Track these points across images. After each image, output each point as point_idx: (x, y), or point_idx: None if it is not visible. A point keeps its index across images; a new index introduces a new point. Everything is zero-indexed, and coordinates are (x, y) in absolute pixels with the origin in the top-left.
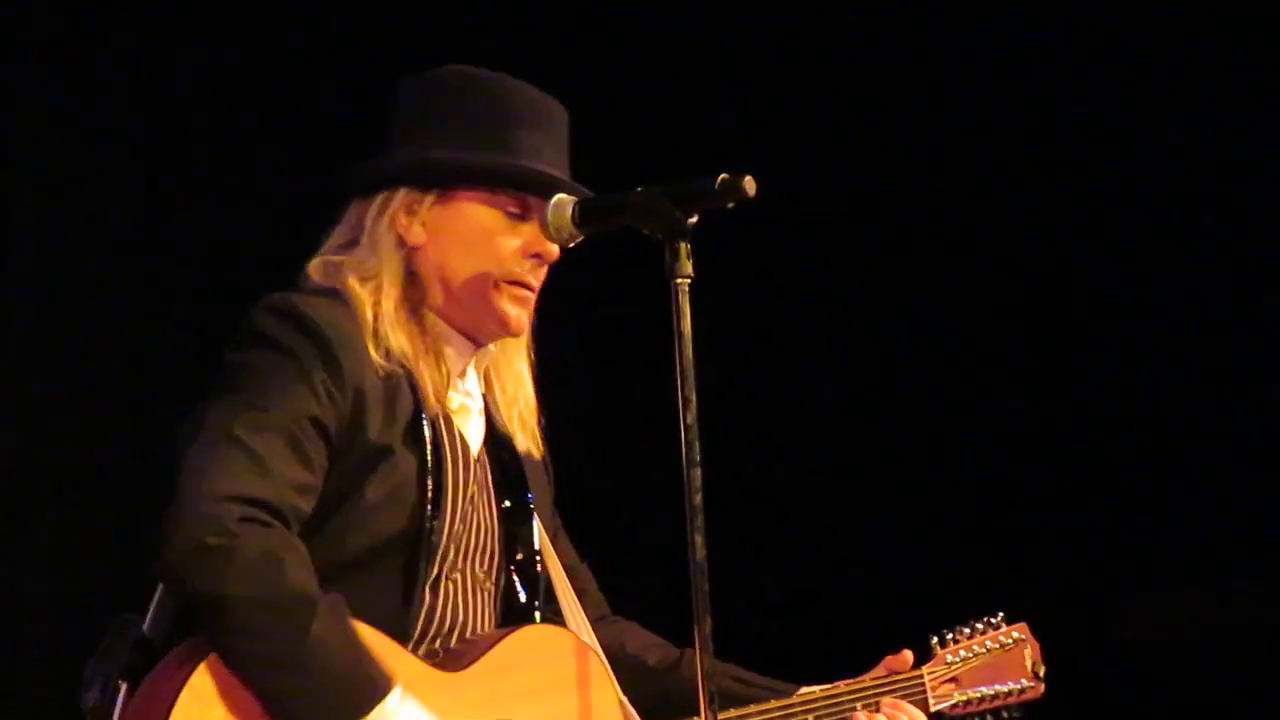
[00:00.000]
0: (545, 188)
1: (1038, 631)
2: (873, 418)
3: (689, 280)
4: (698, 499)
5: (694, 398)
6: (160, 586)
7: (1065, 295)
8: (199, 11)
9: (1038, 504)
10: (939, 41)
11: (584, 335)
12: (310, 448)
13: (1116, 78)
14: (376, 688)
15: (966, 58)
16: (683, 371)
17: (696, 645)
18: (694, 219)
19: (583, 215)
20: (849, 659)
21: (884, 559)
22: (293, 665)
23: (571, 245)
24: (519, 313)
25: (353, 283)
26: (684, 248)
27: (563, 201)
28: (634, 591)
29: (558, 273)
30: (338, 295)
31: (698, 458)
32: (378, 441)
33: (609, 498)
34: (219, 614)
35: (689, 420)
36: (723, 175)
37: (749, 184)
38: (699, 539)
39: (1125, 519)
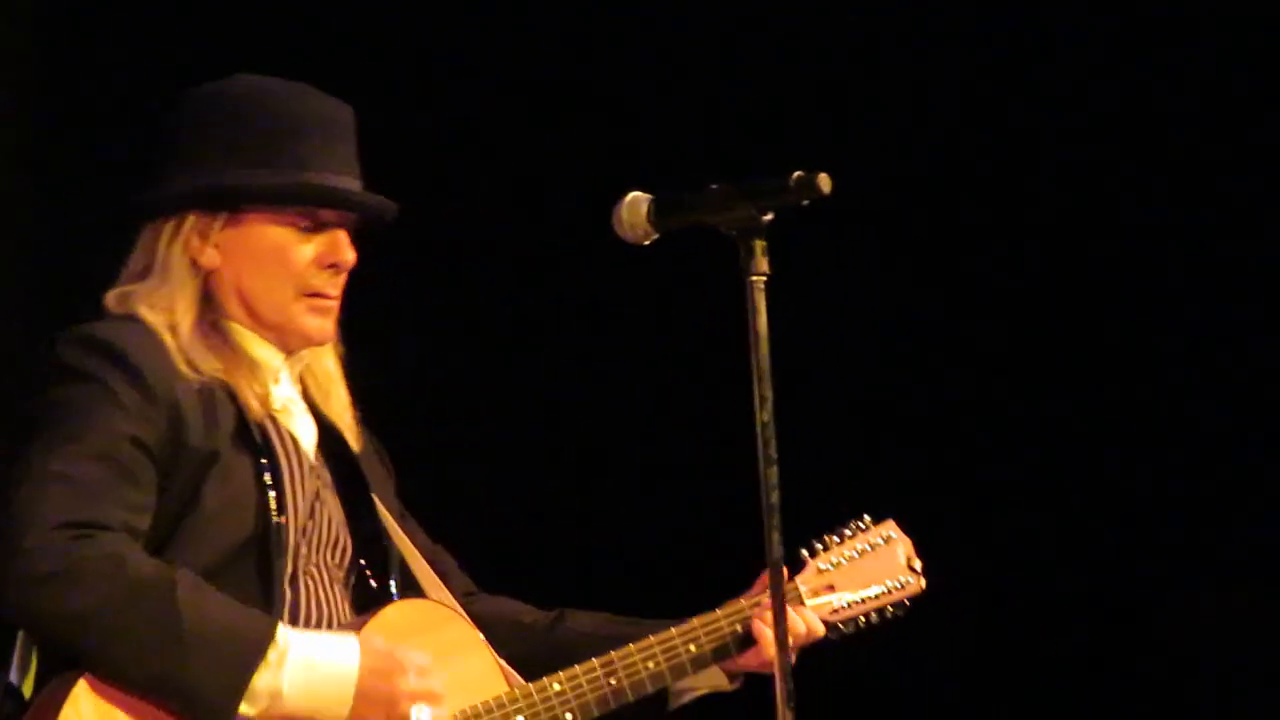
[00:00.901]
0: (332, 200)
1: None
2: (941, 412)
3: (765, 278)
4: (774, 497)
5: (770, 396)
6: (20, 634)
7: (1139, 290)
8: None
9: (1088, 503)
10: (1016, 33)
11: (653, 333)
12: (134, 466)
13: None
14: (263, 631)
15: (1037, 52)
16: (759, 370)
17: (776, 643)
18: (769, 216)
19: (658, 212)
20: None
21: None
22: (173, 643)
23: (647, 243)
24: (321, 323)
25: (144, 312)
26: (759, 245)
27: (637, 199)
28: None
29: (627, 271)
30: (137, 320)
31: (774, 455)
32: (202, 448)
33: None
34: (82, 631)
35: (765, 418)
36: (798, 172)
37: (824, 181)
38: (776, 537)
39: (1175, 517)
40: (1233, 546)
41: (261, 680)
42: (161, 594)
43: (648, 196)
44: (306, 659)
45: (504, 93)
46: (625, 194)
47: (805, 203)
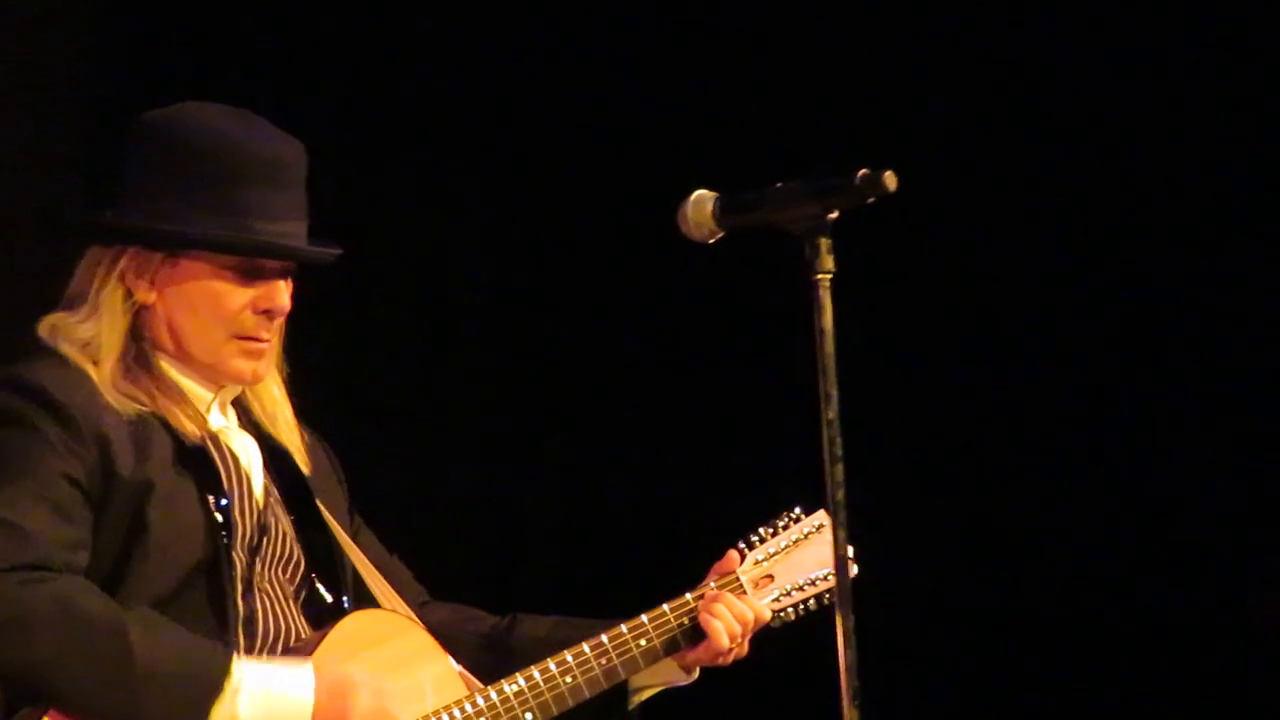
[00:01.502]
0: (271, 252)
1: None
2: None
3: (830, 276)
4: (840, 495)
5: (835, 393)
6: None
7: (1214, 287)
8: None
9: (1172, 501)
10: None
11: (716, 332)
12: (68, 503)
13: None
14: (218, 666)
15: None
16: (824, 367)
17: (840, 641)
18: (834, 214)
19: (723, 211)
20: None
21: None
22: (130, 687)
23: (712, 241)
24: (251, 366)
25: (67, 350)
26: (824, 243)
27: (703, 198)
28: None
29: (690, 269)
30: (59, 356)
31: (840, 453)
32: (133, 479)
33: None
34: (37, 678)
35: (830, 416)
36: (863, 170)
37: (890, 179)
38: (841, 534)
39: (1258, 514)
40: None
41: (218, 715)
42: (113, 636)
43: (713, 195)
44: (263, 691)
45: (573, 89)
46: (690, 193)
47: (871, 200)
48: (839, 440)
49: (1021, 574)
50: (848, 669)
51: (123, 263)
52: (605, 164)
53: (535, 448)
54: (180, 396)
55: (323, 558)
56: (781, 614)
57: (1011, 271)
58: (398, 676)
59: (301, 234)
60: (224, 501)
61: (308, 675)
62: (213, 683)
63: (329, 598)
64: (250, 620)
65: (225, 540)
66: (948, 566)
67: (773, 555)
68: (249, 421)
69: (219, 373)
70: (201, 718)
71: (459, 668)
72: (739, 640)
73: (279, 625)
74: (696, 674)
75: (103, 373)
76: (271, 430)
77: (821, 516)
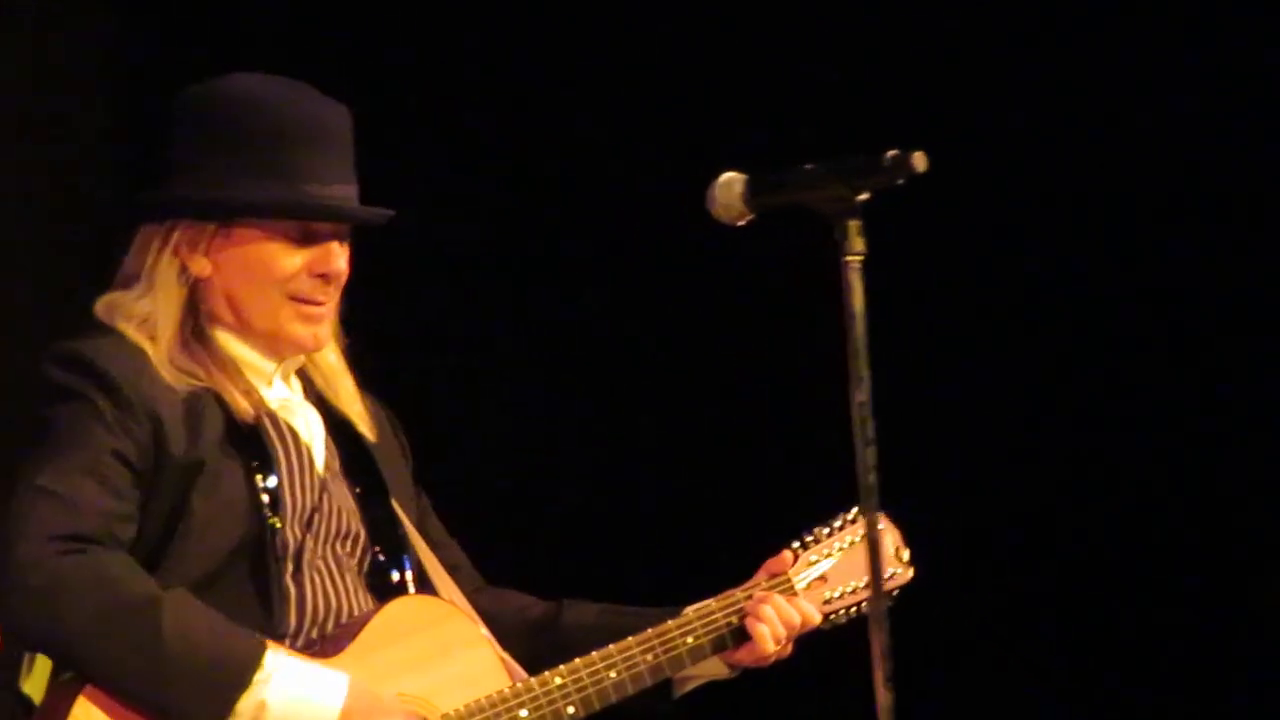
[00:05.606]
0: (323, 213)
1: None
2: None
3: (860, 258)
4: (871, 478)
5: (867, 375)
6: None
7: (1248, 277)
8: None
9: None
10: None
11: (748, 314)
12: (116, 478)
13: None
14: (250, 656)
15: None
16: (855, 349)
17: (874, 625)
18: (864, 196)
19: (753, 192)
20: None
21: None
22: (157, 668)
23: (742, 223)
24: (310, 330)
25: (124, 326)
26: (854, 225)
27: (732, 179)
28: None
29: (721, 251)
30: (117, 333)
31: (872, 436)
32: (184, 458)
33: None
34: (70, 648)
35: (862, 398)
36: (892, 150)
37: (919, 159)
38: (874, 518)
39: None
40: None
41: (244, 703)
42: (145, 615)
43: (742, 176)
44: (292, 689)
45: (602, 70)
46: (719, 174)
47: (900, 181)
48: (870, 423)
49: (1060, 559)
50: (881, 653)
51: (175, 236)
52: (636, 149)
53: (569, 434)
54: (236, 372)
55: (386, 531)
56: (832, 616)
57: (1050, 251)
58: (439, 664)
59: (353, 196)
60: (273, 481)
61: (341, 683)
62: (241, 673)
63: (393, 572)
64: (300, 598)
65: (272, 520)
66: (980, 552)
67: (827, 556)
68: (313, 392)
69: (278, 340)
70: (226, 707)
71: (504, 655)
72: (783, 643)
73: (331, 603)
74: (740, 670)
75: (160, 349)
76: (333, 401)
77: (880, 518)
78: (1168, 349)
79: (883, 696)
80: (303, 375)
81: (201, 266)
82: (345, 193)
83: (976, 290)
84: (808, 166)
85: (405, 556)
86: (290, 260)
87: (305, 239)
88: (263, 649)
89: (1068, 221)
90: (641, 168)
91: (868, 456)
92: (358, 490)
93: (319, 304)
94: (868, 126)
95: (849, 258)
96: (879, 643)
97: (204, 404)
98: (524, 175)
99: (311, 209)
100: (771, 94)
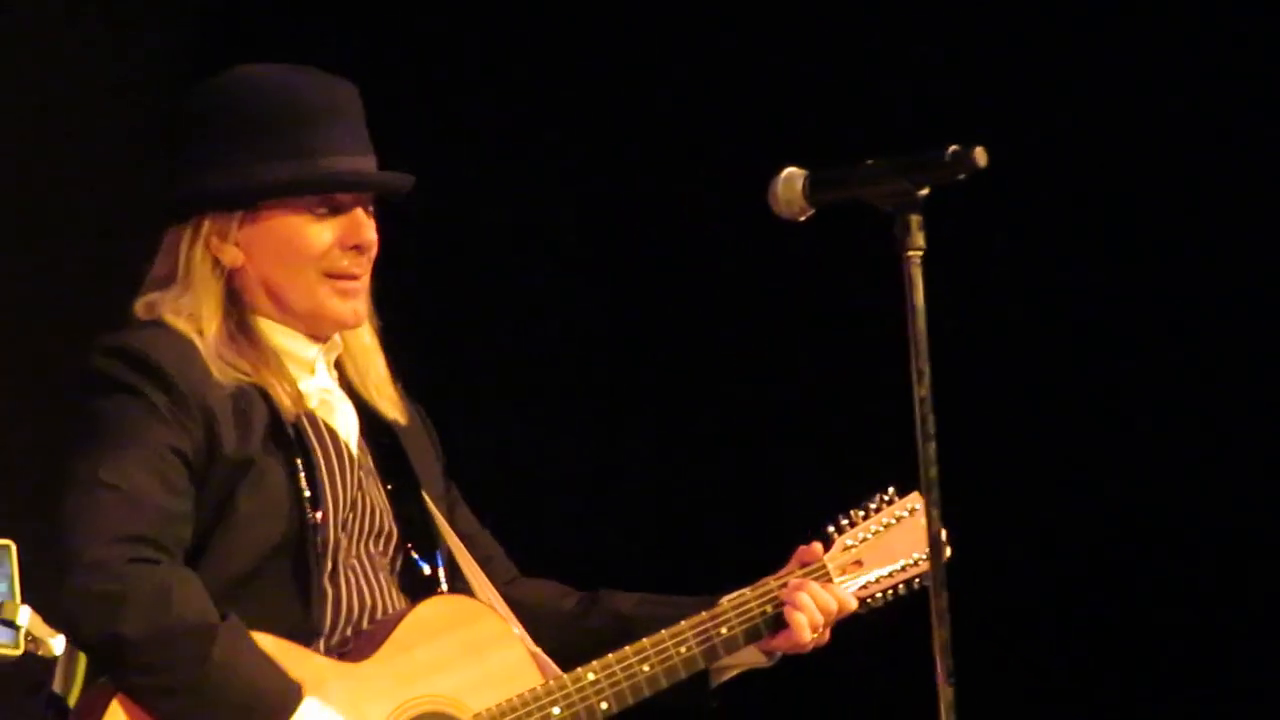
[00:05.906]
0: (342, 183)
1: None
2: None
3: (921, 253)
4: (933, 473)
5: (928, 370)
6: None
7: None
8: None
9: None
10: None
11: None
12: (175, 475)
13: None
14: (286, 703)
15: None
16: (916, 345)
17: (933, 619)
18: (925, 191)
19: (814, 188)
20: None
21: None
22: (198, 694)
23: (803, 219)
24: (350, 306)
25: (172, 320)
26: (915, 220)
27: (793, 175)
28: None
29: (779, 249)
30: (165, 326)
31: (932, 431)
32: (236, 456)
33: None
34: (119, 655)
35: (923, 394)
36: (954, 146)
37: (980, 154)
38: (935, 513)
39: None
40: None
41: None
42: (199, 644)
43: (803, 172)
44: None
45: (664, 64)
46: (780, 169)
47: (961, 177)
48: (931, 418)
49: (1116, 557)
50: (942, 648)
51: (203, 230)
52: (698, 144)
53: (624, 424)
54: (280, 368)
55: (418, 527)
56: (869, 600)
57: (1110, 248)
58: (470, 664)
59: (372, 166)
60: (314, 479)
61: None
62: (272, 713)
63: (425, 569)
64: (336, 599)
65: (311, 520)
66: (1039, 546)
67: (863, 540)
68: (346, 383)
69: (319, 319)
70: None
71: (536, 650)
72: (820, 630)
73: (365, 601)
74: (777, 658)
75: (208, 341)
76: (363, 390)
77: (915, 499)
78: (1182, 349)
79: (945, 692)
80: (338, 366)
81: (233, 256)
82: (365, 162)
83: (976, 290)
84: (869, 162)
85: (437, 552)
86: (320, 236)
87: (331, 212)
88: (300, 695)
89: (1127, 224)
90: (697, 164)
91: (928, 451)
92: (389, 487)
93: (354, 277)
94: (920, 125)
95: (910, 253)
96: (940, 638)
97: (250, 400)
98: (587, 167)
99: (333, 180)
100: (829, 92)
